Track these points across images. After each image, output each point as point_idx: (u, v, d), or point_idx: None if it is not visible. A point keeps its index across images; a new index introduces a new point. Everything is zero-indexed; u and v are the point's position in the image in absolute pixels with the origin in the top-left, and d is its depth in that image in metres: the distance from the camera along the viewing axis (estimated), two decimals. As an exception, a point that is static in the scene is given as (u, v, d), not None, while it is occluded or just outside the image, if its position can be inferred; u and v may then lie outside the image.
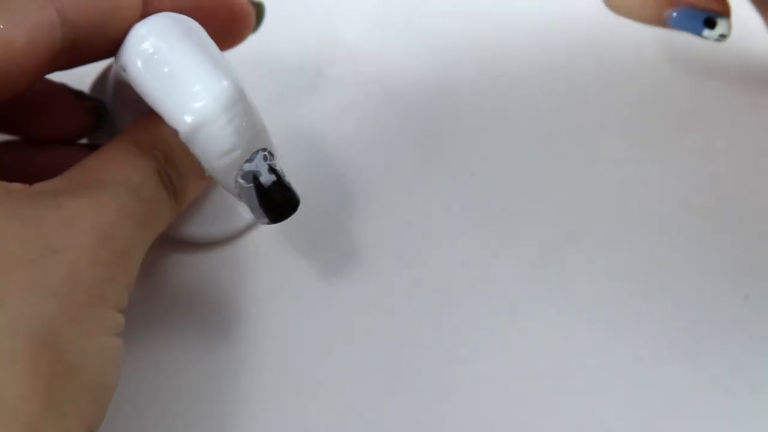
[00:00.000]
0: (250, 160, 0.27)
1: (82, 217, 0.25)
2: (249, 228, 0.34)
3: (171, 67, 0.26)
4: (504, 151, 0.35)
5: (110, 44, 0.28)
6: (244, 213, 0.33)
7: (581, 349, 0.31)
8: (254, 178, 0.27)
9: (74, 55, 0.28)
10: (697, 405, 0.31)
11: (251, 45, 0.35)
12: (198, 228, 0.33)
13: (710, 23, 0.29)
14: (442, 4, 0.39)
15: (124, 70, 0.27)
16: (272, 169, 0.27)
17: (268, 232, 0.34)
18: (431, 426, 0.30)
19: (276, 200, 0.27)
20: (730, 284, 0.33)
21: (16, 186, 0.25)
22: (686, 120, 0.36)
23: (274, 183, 0.27)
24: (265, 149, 0.27)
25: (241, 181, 0.27)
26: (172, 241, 0.33)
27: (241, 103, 0.26)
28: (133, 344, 0.31)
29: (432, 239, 0.34)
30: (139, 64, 0.26)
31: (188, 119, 0.26)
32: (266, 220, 0.28)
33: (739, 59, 0.37)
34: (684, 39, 0.35)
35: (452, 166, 0.35)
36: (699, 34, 0.29)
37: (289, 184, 0.28)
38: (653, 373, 0.31)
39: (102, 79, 0.32)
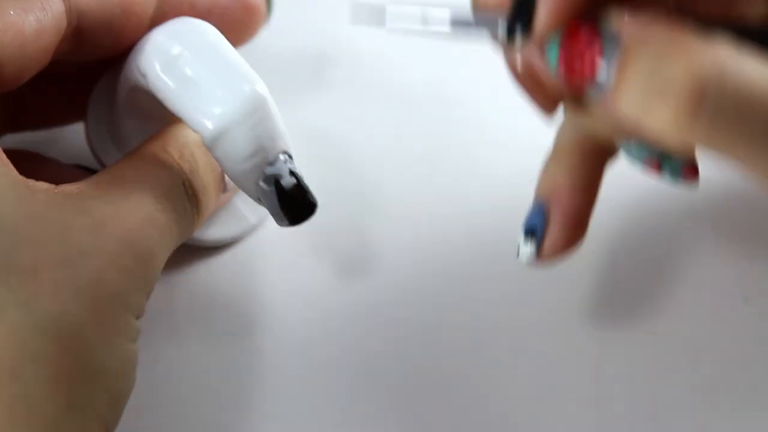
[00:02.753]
0: (272, 164, 0.27)
1: (108, 223, 0.25)
2: (253, 230, 0.33)
3: (193, 71, 0.26)
4: (506, 152, 0.36)
5: (118, 38, 0.28)
6: (248, 215, 0.33)
7: (581, 349, 0.32)
8: (276, 181, 0.27)
9: (80, 44, 0.28)
10: (697, 406, 0.31)
11: (254, 46, 0.35)
12: (202, 231, 0.32)
13: (529, 234, 0.28)
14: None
15: (144, 76, 0.27)
16: (292, 172, 0.27)
17: (273, 235, 0.34)
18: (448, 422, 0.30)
19: (296, 203, 0.27)
20: (730, 284, 0.33)
21: (42, 186, 0.25)
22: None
23: (294, 186, 0.27)
24: (285, 152, 0.27)
25: (263, 184, 0.27)
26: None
27: (264, 109, 0.26)
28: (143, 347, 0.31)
29: (437, 238, 0.34)
30: (159, 69, 0.27)
31: (211, 125, 0.26)
32: (286, 222, 0.28)
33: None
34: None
35: (454, 167, 0.35)
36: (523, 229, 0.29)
37: (307, 186, 0.28)
38: (652, 373, 0.31)
39: (102, 89, 0.32)
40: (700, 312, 0.32)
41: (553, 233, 0.28)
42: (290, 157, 0.28)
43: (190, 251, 0.33)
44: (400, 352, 0.31)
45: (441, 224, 0.34)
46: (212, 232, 0.33)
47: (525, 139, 0.36)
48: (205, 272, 0.33)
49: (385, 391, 0.31)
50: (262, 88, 0.27)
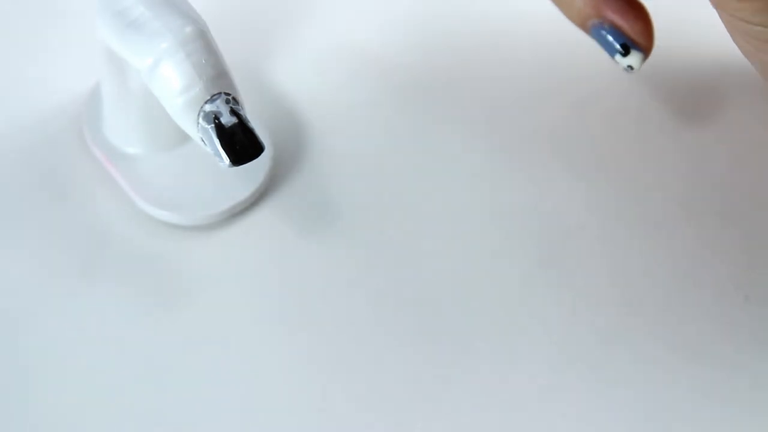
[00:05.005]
0: (210, 101, 0.27)
1: None
2: (235, 210, 0.33)
3: (137, 15, 0.28)
4: (504, 150, 0.35)
5: None
6: (233, 193, 0.33)
7: (578, 348, 0.31)
8: (215, 118, 0.27)
9: None
10: (698, 405, 0.30)
11: (255, 44, 0.36)
12: (193, 209, 0.33)
13: (624, 50, 0.30)
14: (447, 6, 0.39)
15: (102, 28, 0.29)
16: (234, 112, 0.27)
17: (263, 219, 0.34)
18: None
19: (237, 141, 0.27)
20: (730, 284, 0.33)
21: None
22: (682, 119, 0.36)
23: (235, 125, 0.27)
24: (228, 94, 0.27)
25: (202, 122, 0.27)
26: (166, 228, 0.33)
27: (200, 41, 0.27)
28: (138, 334, 0.31)
29: (431, 232, 0.34)
30: (108, 16, 0.28)
31: (147, 58, 0.27)
32: (227, 162, 0.27)
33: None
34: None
35: (454, 164, 0.35)
36: (611, 55, 0.30)
37: (252, 129, 0.28)
38: (653, 373, 0.31)
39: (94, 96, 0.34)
40: (700, 312, 0.32)
41: (639, 29, 0.30)
42: (235, 100, 0.28)
43: (178, 235, 0.33)
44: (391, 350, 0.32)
45: (441, 219, 0.34)
46: (202, 209, 0.33)
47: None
48: (199, 251, 0.33)
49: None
50: (200, 25, 0.28)
